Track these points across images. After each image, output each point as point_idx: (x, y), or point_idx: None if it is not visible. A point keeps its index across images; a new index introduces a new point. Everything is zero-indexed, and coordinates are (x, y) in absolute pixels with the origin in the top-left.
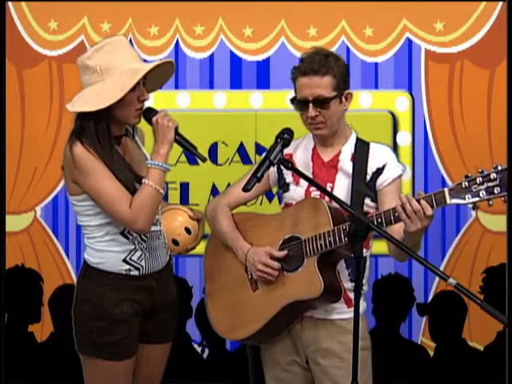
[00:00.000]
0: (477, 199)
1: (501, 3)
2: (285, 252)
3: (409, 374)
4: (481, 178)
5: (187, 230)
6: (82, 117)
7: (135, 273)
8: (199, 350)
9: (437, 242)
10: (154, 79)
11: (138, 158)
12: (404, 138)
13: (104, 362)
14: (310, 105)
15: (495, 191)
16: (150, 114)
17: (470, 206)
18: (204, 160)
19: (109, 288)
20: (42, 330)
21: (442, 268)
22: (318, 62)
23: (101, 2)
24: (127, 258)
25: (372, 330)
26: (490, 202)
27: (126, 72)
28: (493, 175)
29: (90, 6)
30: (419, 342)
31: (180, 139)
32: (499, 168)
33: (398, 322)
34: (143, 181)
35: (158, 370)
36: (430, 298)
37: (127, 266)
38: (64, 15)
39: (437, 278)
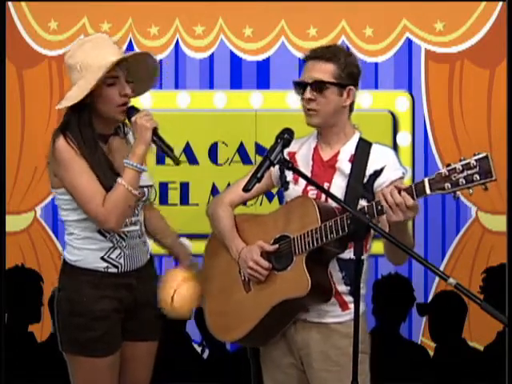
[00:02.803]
0: (456, 188)
1: (501, 3)
2: (276, 246)
3: (409, 374)
4: (460, 166)
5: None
6: (67, 112)
7: (113, 270)
8: (199, 350)
9: (437, 242)
10: (141, 80)
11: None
12: (404, 138)
13: (87, 359)
14: (308, 87)
15: (474, 179)
16: (131, 113)
17: (452, 194)
18: (178, 163)
19: (88, 285)
20: (42, 330)
21: (442, 268)
22: (325, 48)
23: (101, 2)
24: (105, 256)
25: (372, 330)
26: (471, 191)
27: (102, 65)
28: (472, 163)
29: (90, 6)
30: (419, 342)
31: (157, 140)
32: (479, 155)
33: (397, 322)
34: (118, 180)
35: (144, 369)
36: (430, 297)
37: (105, 264)
38: (64, 15)
39: (437, 278)
